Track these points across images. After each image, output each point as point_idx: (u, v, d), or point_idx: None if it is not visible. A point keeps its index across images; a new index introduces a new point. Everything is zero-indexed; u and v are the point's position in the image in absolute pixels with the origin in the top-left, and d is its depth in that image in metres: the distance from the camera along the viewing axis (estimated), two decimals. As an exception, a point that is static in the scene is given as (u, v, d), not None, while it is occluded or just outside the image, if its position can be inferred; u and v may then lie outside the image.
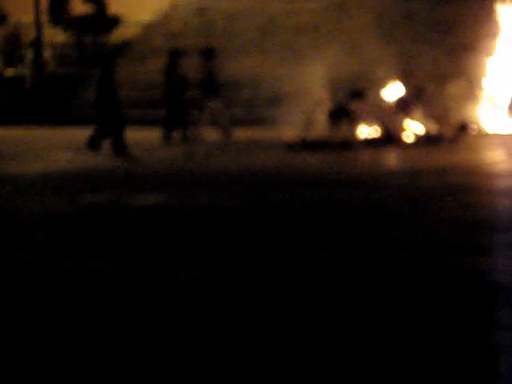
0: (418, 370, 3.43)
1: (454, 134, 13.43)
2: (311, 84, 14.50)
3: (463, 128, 14.04)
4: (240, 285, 4.83)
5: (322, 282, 4.83)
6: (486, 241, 5.78)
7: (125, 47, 24.46)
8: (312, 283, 4.81)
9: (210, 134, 14.90)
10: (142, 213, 7.39)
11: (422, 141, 13.34)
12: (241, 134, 15.58)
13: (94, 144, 13.19)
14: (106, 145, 13.06)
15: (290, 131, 14.57)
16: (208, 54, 15.19)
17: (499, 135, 13.85)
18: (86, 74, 23.19)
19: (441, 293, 4.50)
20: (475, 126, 14.27)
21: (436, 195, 7.89)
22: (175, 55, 15.43)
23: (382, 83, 14.55)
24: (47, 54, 24.50)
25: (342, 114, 13.72)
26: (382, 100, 14.20)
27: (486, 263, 5.15)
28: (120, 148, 12.73)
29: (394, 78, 14.69)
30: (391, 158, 12.11)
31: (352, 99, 13.92)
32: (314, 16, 21.78)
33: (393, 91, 14.42)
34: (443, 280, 4.76)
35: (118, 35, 24.83)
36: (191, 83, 15.05)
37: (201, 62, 15.06)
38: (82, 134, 13.85)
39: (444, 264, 5.13)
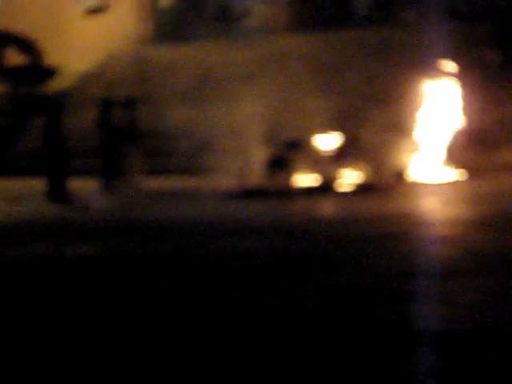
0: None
1: (389, 182, 13.64)
2: (248, 133, 14.64)
3: (399, 177, 14.26)
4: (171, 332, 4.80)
5: (252, 327, 4.83)
6: (415, 289, 5.86)
7: (61, 97, 24.37)
8: (240, 326, 4.81)
9: (145, 183, 14.89)
10: (76, 264, 7.31)
11: (357, 189, 13.50)
12: (178, 182, 15.59)
13: (56, 195, 13.10)
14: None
15: (227, 180, 14.63)
16: (127, 103, 15.12)
17: (433, 184, 14.09)
18: (22, 125, 23.04)
19: (366, 340, 4.52)
20: (410, 175, 14.51)
21: (369, 243, 7.98)
22: (108, 105, 15.37)
23: (318, 133, 14.75)
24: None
25: (280, 163, 13.84)
26: (318, 149, 14.39)
27: (413, 311, 5.21)
28: (60, 196, 12.69)
29: (330, 128, 14.92)
30: (327, 207, 12.22)
31: (289, 148, 14.07)
32: (250, 66, 22.03)
33: (329, 140, 14.62)
34: (369, 327, 4.80)
35: (55, 85, 24.74)
36: (125, 133, 14.98)
37: (121, 112, 14.98)
38: (17, 184, 13.75)
39: (371, 312, 5.18)
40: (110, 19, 24.32)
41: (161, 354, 4.35)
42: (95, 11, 24.53)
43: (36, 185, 16.56)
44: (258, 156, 14.31)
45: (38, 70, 24.20)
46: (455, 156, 15.05)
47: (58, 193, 13.00)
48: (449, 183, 14.20)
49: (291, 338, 4.62)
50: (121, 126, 14.77)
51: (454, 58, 16.32)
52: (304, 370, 4.04)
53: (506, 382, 3.81)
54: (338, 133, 14.87)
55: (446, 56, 15.91)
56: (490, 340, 4.49)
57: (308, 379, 3.91)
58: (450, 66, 15.80)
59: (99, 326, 5.02)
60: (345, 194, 13.19)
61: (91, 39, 24.34)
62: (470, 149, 15.48)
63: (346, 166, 14.10)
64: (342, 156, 14.17)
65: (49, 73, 24.47)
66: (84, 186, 15.57)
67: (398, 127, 14.51)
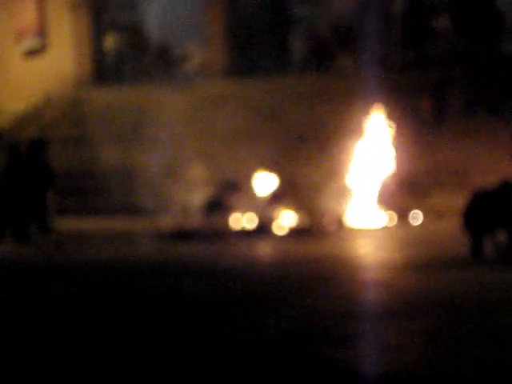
0: None
1: (325, 226, 13.89)
2: (185, 175, 14.80)
3: (335, 221, 14.51)
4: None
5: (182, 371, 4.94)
6: (350, 330, 6.05)
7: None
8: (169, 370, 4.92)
9: (74, 224, 14.89)
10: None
11: (294, 233, 13.73)
12: (113, 223, 15.63)
13: (21, 236, 13.03)
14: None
15: (163, 221, 14.72)
16: (37, 145, 14.73)
17: (367, 228, 14.39)
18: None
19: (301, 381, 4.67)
20: (346, 219, 14.80)
21: (304, 286, 8.17)
22: (36, 145, 14.92)
23: (254, 176, 14.98)
24: None
25: (216, 205, 14.03)
26: (255, 192, 14.61)
27: (347, 352, 5.37)
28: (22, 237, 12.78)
29: (267, 171, 15.16)
30: (263, 249, 12.42)
31: (226, 190, 14.27)
32: (188, 109, 22.24)
33: (265, 184, 14.86)
34: (304, 369, 4.95)
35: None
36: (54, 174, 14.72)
37: (32, 153, 14.55)
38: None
39: (306, 353, 5.33)
40: (49, 61, 24.34)
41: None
42: (34, 52, 24.53)
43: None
44: (195, 197, 14.48)
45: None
46: (387, 201, 15.41)
47: (20, 234, 13.02)
48: (381, 228, 14.52)
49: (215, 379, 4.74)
50: (36, 167, 14.40)
51: (388, 106, 16.78)
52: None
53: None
54: (275, 175, 15.13)
55: (380, 103, 16.34)
56: (417, 382, 4.68)
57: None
58: (383, 113, 16.23)
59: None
60: (281, 237, 13.40)
61: (30, 80, 24.31)
62: (402, 194, 15.88)
63: (283, 209, 14.34)
64: (279, 198, 14.42)
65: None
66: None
67: (334, 172, 14.85)
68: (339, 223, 14.52)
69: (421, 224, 14.75)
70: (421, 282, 8.35)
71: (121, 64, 24.58)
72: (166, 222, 14.11)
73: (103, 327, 6.26)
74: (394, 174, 15.54)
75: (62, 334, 6.06)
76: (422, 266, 9.45)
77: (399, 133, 16.32)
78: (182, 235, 13.22)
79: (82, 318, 6.66)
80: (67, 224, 15.19)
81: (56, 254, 11.76)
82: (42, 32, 24.29)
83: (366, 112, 16.02)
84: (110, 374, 4.89)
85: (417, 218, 15.00)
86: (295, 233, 13.71)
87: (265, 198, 14.50)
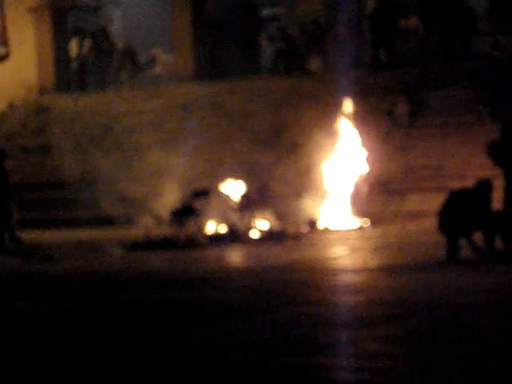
0: None
1: (299, 230, 13.75)
2: (154, 182, 14.62)
3: (308, 225, 14.39)
4: None
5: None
6: (325, 337, 5.92)
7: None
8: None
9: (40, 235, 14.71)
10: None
11: (266, 237, 13.59)
12: (81, 234, 15.42)
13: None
14: None
15: (132, 230, 14.54)
16: None
17: (340, 231, 14.30)
18: None
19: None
20: (319, 223, 14.69)
21: (279, 293, 8.03)
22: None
23: (225, 181, 14.82)
24: None
25: (186, 212, 13.81)
26: (225, 197, 14.43)
27: (324, 360, 5.26)
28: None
29: (237, 177, 15.01)
30: (236, 256, 12.27)
31: (196, 197, 14.05)
32: (156, 115, 22.06)
33: (236, 189, 14.70)
34: (279, 378, 4.84)
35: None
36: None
37: None
38: None
39: (284, 362, 5.22)
40: (12, 68, 24.07)
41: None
42: (-3, 59, 24.24)
43: None
44: (165, 205, 14.29)
45: None
46: (360, 204, 15.32)
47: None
48: (355, 230, 14.42)
49: None
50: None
51: (361, 106, 16.71)
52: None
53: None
54: (246, 179, 14.99)
55: (352, 104, 16.26)
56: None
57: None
58: (356, 114, 16.15)
59: None
60: (254, 243, 13.25)
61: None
62: (376, 196, 15.80)
63: (255, 214, 14.20)
64: (251, 203, 14.25)
65: None
66: None
67: (306, 174, 14.68)
68: (313, 226, 14.39)
69: (395, 226, 14.67)
70: (396, 285, 8.23)
71: (85, 70, 24.34)
72: (136, 231, 13.95)
73: (75, 340, 6.11)
74: (368, 176, 15.46)
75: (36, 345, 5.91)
76: (396, 268, 9.33)
77: (373, 134, 16.26)
78: (153, 244, 13.04)
79: (57, 331, 6.54)
80: (31, 236, 14.97)
81: (25, 265, 11.62)
82: (3, 40, 24.03)
83: (338, 113, 15.93)
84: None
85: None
86: (268, 237, 13.58)
87: (236, 202, 14.32)
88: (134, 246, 13.05)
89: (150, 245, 13.06)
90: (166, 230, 13.54)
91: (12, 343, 6.22)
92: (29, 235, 14.86)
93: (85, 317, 7.18)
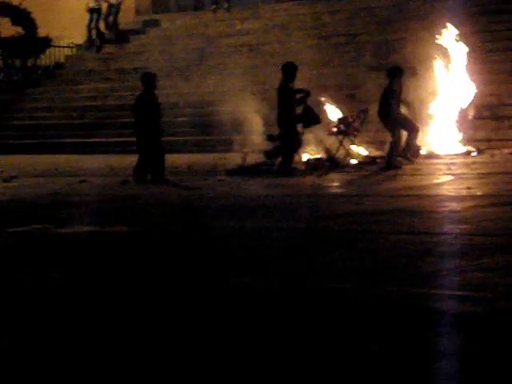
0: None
1: (402, 157, 13.53)
2: (251, 107, 14.62)
3: (414, 150, 14.11)
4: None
5: (265, 310, 4.90)
6: (428, 266, 5.90)
7: (56, 70, 24.39)
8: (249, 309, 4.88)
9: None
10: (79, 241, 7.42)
11: (366, 164, 13.53)
12: (179, 159, 15.61)
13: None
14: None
15: (230, 156, 14.67)
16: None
17: (449, 157, 14.11)
18: (16, 99, 23.05)
19: (381, 320, 4.59)
20: (426, 149, 14.50)
21: (384, 219, 8.01)
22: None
23: (323, 105, 14.70)
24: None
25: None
26: (325, 123, 14.30)
27: (429, 290, 5.26)
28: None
29: (336, 101, 14.87)
30: (334, 182, 12.24)
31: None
32: (253, 37, 21.99)
33: (334, 113, 14.58)
34: (384, 307, 4.86)
35: (50, 58, 24.75)
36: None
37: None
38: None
39: (386, 291, 5.24)
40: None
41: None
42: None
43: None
44: (262, 129, 14.32)
45: (33, 42, 24.18)
46: (467, 129, 15.06)
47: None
48: (461, 156, 14.24)
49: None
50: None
51: (470, 28, 16.30)
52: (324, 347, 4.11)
53: None
54: (347, 105, 14.85)
55: (460, 26, 15.82)
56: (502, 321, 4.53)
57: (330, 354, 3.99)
58: (464, 36, 15.74)
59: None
60: (353, 169, 13.21)
61: (82, 13, 24.32)
62: (483, 122, 15.50)
63: (355, 140, 14.09)
64: (350, 129, 14.10)
65: (44, 45, 24.47)
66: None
67: (410, 100, 14.36)
68: (416, 152, 14.10)
69: (505, 153, 14.39)
70: (500, 214, 8.12)
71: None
72: (233, 157, 14.06)
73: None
74: (474, 100, 15.14)
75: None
76: (501, 197, 9.20)
77: (477, 58, 15.86)
78: (250, 170, 13.10)
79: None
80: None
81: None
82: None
83: (446, 34, 15.53)
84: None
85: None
86: (368, 164, 13.53)
87: (334, 127, 14.17)
88: (231, 171, 13.15)
89: (246, 170, 13.12)
90: (261, 157, 13.58)
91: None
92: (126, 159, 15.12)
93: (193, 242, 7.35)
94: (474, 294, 5.06)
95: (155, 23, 24.64)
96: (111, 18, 23.75)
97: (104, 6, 23.74)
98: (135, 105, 12.97)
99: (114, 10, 23.69)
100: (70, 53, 25.05)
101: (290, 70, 13.37)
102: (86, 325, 4.72)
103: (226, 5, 23.62)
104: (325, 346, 4.22)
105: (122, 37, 23.81)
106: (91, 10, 23.69)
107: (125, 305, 5.18)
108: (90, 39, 24.05)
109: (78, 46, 24.71)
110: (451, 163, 13.18)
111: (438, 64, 15.15)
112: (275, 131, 13.61)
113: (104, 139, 19.72)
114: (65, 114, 21.70)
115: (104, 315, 4.94)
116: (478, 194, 9.71)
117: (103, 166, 15.40)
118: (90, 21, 23.87)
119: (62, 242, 7.53)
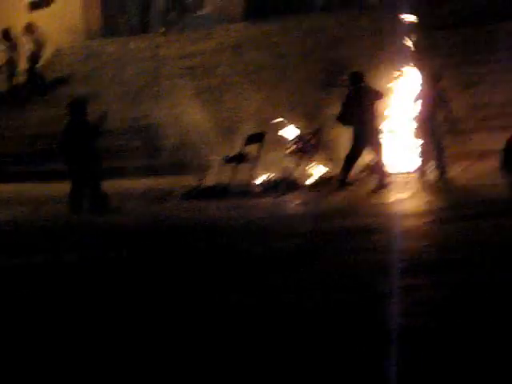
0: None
1: (357, 174, 13.54)
2: (206, 128, 14.58)
3: (369, 169, 14.11)
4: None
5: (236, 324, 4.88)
6: (386, 283, 5.91)
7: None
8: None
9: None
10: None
11: (323, 183, 13.54)
12: (133, 183, 15.50)
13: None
14: None
15: (185, 179, 14.60)
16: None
17: (404, 174, 14.17)
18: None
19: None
20: (381, 166, 14.52)
21: (338, 238, 8.02)
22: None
23: (280, 126, 14.69)
24: None
25: (240, 159, 13.75)
26: (280, 143, 14.29)
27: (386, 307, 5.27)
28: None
29: (293, 121, 14.87)
30: (291, 203, 12.23)
31: (249, 143, 13.99)
32: (206, 58, 21.99)
33: (291, 134, 14.57)
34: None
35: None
36: None
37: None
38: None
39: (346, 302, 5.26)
40: (56, 12, 24.17)
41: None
42: (39, 5, 24.32)
43: None
44: (217, 151, 14.28)
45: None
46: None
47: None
48: (416, 173, 14.32)
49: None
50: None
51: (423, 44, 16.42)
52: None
53: None
54: (301, 124, 14.86)
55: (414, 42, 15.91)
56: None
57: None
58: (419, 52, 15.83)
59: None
60: (310, 189, 13.21)
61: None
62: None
63: (311, 160, 14.09)
64: (306, 149, 14.10)
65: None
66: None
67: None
68: (371, 169, 14.09)
69: (461, 167, 14.48)
70: (456, 230, 8.15)
71: (132, 13, 24.36)
72: (188, 179, 14.01)
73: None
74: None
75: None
76: (457, 212, 9.26)
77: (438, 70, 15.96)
78: (205, 193, 13.05)
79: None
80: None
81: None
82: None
83: (399, 51, 15.61)
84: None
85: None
86: (324, 183, 13.53)
87: (290, 147, 14.17)
88: (186, 194, 13.08)
89: (201, 193, 13.06)
90: (218, 178, 13.53)
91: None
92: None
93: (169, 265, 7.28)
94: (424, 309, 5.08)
95: (105, 47, 24.51)
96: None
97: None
98: (63, 133, 12.80)
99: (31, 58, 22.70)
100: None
101: None
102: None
103: (162, 29, 23.52)
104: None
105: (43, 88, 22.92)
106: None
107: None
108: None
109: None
110: (407, 180, 13.24)
111: (391, 80, 15.22)
112: (231, 153, 13.59)
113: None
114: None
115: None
116: (435, 209, 9.76)
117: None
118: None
119: None
